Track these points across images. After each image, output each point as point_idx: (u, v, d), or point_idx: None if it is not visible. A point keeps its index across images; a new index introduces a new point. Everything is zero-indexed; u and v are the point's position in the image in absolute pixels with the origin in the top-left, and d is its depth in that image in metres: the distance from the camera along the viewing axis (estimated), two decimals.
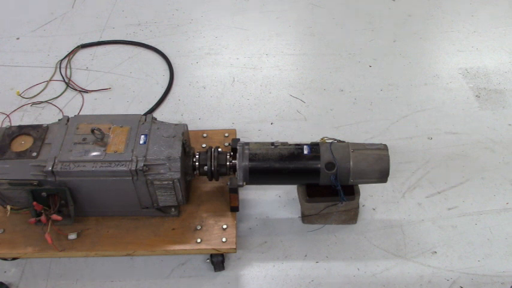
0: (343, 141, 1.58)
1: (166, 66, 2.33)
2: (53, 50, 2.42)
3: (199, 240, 1.55)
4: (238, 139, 1.61)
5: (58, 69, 2.32)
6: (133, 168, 1.44)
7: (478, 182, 1.86)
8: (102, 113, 1.90)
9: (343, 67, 2.32)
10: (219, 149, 1.61)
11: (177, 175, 1.48)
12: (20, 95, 2.19)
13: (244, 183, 1.55)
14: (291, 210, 1.78)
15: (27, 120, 2.10)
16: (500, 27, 2.51)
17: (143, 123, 1.56)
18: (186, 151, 1.56)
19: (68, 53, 2.39)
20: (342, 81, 2.25)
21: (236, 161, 1.55)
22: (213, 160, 1.57)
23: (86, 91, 2.22)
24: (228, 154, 1.59)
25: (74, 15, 2.62)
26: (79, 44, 2.42)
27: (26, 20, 2.59)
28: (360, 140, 1.90)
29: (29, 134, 1.53)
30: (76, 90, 2.23)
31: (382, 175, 1.55)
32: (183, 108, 2.15)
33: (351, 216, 1.71)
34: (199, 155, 1.59)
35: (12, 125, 1.61)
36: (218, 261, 1.60)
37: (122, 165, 1.45)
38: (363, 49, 2.40)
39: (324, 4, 2.66)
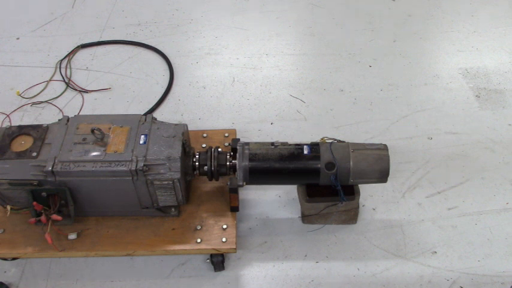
0: (343, 141, 1.58)
1: (166, 66, 2.33)
2: (53, 50, 2.42)
3: (199, 240, 1.55)
4: (238, 139, 1.61)
5: (58, 69, 2.32)
6: (133, 168, 1.44)
7: (478, 182, 1.86)
8: (102, 113, 1.90)
9: (343, 67, 2.32)
10: (219, 149, 1.61)
11: (177, 175, 1.48)
12: (20, 95, 2.19)
13: (244, 183, 1.55)
14: (291, 210, 1.78)
15: (27, 120, 2.10)
16: (500, 27, 2.51)
17: (143, 123, 1.56)
18: (186, 151, 1.56)
19: (68, 53, 2.39)
20: (342, 81, 2.25)
21: (236, 161, 1.55)
22: (213, 160, 1.57)
23: (86, 91, 2.22)
24: (228, 154, 1.59)
25: (74, 15, 2.62)
26: (79, 44, 2.42)
27: (26, 20, 2.59)
28: (360, 140, 1.90)
29: (29, 134, 1.53)
30: (76, 90, 2.23)
31: (382, 175, 1.55)
32: (183, 108, 2.15)
33: (351, 216, 1.71)
34: (199, 155, 1.59)
35: (12, 125, 1.61)
36: (218, 261, 1.60)
37: (122, 165, 1.45)
38: (363, 49, 2.40)
39: (324, 4, 2.66)
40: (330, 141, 1.58)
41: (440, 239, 1.70)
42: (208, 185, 1.69)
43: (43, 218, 1.47)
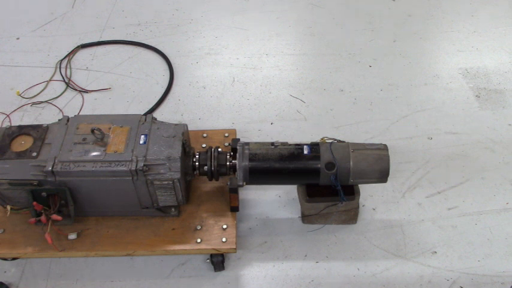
0: (343, 141, 1.58)
1: (166, 66, 2.33)
2: (53, 50, 2.42)
3: (199, 240, 1.55)
4: (238, 139, 1.61)
5: (58, 69, 2.32)
6: (133, 168, 1.44)
7: (478, 182, 1.86)
8: (102, 113, 1.90)
9: (343, 67, 2.32)
10: (219, 149, 1.61)
11: (177, 175, 1.48)
12: (20, 95, 2.19)
13: (244, 183, 1.55)
14: (291, 210, 1.78)
15: (27, 120, 2.10)
16: (500, 27, 2.51)
17: (143, 123, 1.56)
18: (186, 151, 1.56)
19: (68, 53, 2.39)
20: (342, 81, 2.25)
21: (236, 161, 1.55)
22: (213, 160, 1.57)
23: (86, 91, 2.22)
24: (228, 154, 1.59)
25: (74, 15, 2.62)
26: (79, 44, 2.42)
27: (26, 20, 2.59)
28: (360, 140, 1.90)
29: (29, 134, 1.53)
30: (76, 90, 2.23)
31: (382, 175, 1.55)
32: (183, 108, 2.15)
33: (351, 216, 1.71)
34: (199, 155, 1.59)
35: (12, 125, 1.61)
36: (218, 261, 1.60)
37: (122, 165, 1.45)
38: (363, 49, 2.40)
39: (324, 4, 2.66)
40: (330, 141, 1.58)
41: (440, 239, 1.70)
42: (208, 185, 1.69)
43: (43, 218, 1.47)
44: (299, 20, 2.58)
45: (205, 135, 1.85)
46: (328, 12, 2.62)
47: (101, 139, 1.50)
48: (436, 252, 1.67)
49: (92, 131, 1.49)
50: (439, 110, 2.12)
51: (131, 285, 1.61)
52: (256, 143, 1.59)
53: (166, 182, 1.48)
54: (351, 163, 1.52)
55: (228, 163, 1.58)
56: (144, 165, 1.45)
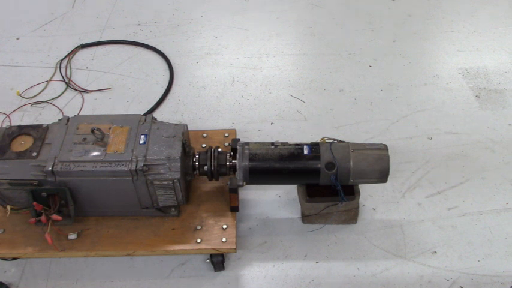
0: (343, 141, 1.58)
1: (166, 66, 2.33)
2: (53, 50, 2.42)
3: (199, 240, 1.55)
4: (238, 139, 1.61)
5: (58, 69, 2.32)
6: (133, 168, 1.44)
7: (478, 182, 1.86)
8: (102, 113, 1.90)
9: (343, 67, 2.32)
10: (219, 149, 1.61)
11: (177, 175, 1.48)
12: (20, 95, 2.19)
13: (244, 183, 1.55)
14: (291, 210, 1.78)
15: (27, 120, 2.10)
16: (500, 27, 2.51)
17: (143, 123, 1.56)
18: (186, 151, 1.56)
19: (68, 53, 2.39)
20: (342, 81, 2.25)
21: (236, 161, 1.55)
22: (213, 160, 1.57)
23: (86, 91, 2.22)
24: (228, 154, 1.59)
25: (74, 15, 2.62)
26: (79, 44, 2.42)
27: (26, 20, 2.59)
28: (360, 140, 1.90)
29: (29, 134, 1.53)
30: (76, 90, 2.23)
31: (382, 175, 1.55)
32: (183, 108, 2.15)
33: (351, 216, 1.71)
34: (199, 155, 1.59)
35: (12, 125, 1.61)
36: (218, 261, 1.60)
37: (122, 165, 1.45)
38: (363, 49, 2.40)
39: (324, 4, 2.66)
40: (330, 141, 1.58)
41: (440, 239, 1.70)
42: (208, 185, 1.69)
43: (43, 218, 1.47)
44: (299, 20, 2.58)
45: (205, 135, 1.85)
46: (328, 12, 2.62)
47: (101, 139, 1.50)
48: (436, 252, 1.67)
49: (92, 131, 1.49)
50: (439, 110, 2.12)
51: (131, 285, 1.61)
52: (256, 143, 1.59)
53: (166, 182, 1.48)
54: (351, 163, 1.52)
55: (228, 163, 1.58)
56: (144, 165, 1.45)
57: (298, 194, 1.67)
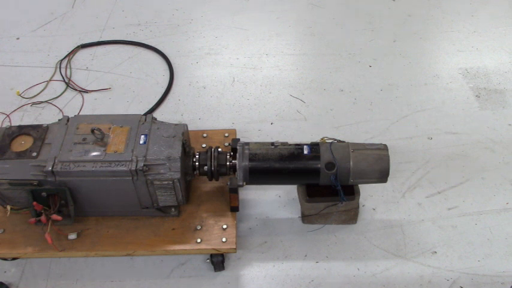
0: (343, 141, 1.58)
1: (166, 66, 2.33)
2: (53, 50, 2.42)
3: (199, 240, 1.55)
4: (238, 139, 1.61)
5: (58, 69, 2.32)
6: (133, 168, 1.44)
7: (478, 182, 1.86)
8: (102, 113, 1.90)
9: (343, 67, 2.32)
10: (219, 149, 1.61)
11: (177, 175, 1.48)
12: (20, 95, 2.19)
13: (244, 183, 1.55)
14: (291, 210, 1.78)
15: (27, 120, 2.10)
16: (500, 27, 2.51)
17: (143, 123, 1.56)
18: (186, 151, 1.56)
19: (68, 53, 2.39)
20: (342, 81, 2.25)
21: (236, 161, 1.55)
22: (213, 160, 1.57)
23: (86, 91, 2.22)
24: (228, 154, 1.59)
25: (74, 15, 2.62)
26: (79, 44, 2.42)
27: (26, 20, 2.59)
28: (360, 140, 1.90)
29: (29, 134, 1.53)
30: (76, 90, 2.23)
31: (382, 175, 1.55)
32: (183, 108, 2.15)
33: (351, 216, 1.71)
34: (199, 155, 1.59)
35: (12, 125, 1.61)
36: (218, 261, 1.60)
37: (122, 165, 1.45)
38: (363, 49, 2.40)
39: (324, 4, 2.66)
40: (330, 141, 1.58)
41: (440, 239, 1.70)
42: (208, 185, 1.69)
43: (43, 218, 1.47)
44: (299, 20, 2.58)
45: (205, 135, 1.85)
46: (328, 12, 2.62)
47: (101, 139, 1.50)
48: (436, 252, 1.67)
49: (92, 131, 1.49)
50: (439, 110, 2.12)
51: (131, 285, 1.61)
52: (256, 143, 1.59)
53: (166, 182, 1.48)
54: (351, 163, 1.52)
55: (228, 163, 1.58)
56: (144, 165, 1.45)
57: (298, 194, 1.67)
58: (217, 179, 1.61)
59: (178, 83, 2.26)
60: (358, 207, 1.68)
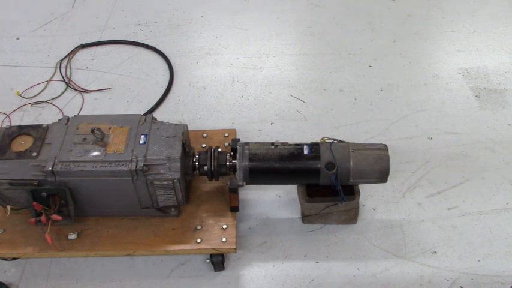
0: (343, 141, 1.58)
1: (166, 66, 2.33)
2: (53, 50, 2.42)
3: (199, 240, 1.55)
4: (238, 139, 1.61)
5: (58, 69, 2.32)
6: (133, 168, 1.44)
7: (478, 182, 1.86)
8: (102, 113, 1.90)
9: (343, 67, 2.32)
10: (219, 149, 1.61)
11: (177, 175, 1.48)
12: (20, 95, 2.19)
13: (244, 183, 1.55)
14: (291, 210, 1.78)
15: (27, 120, 2.10)
16: (500, 27, 2.51)
17: (143, 123, 1.56)
18: (186, 151, 1.56)
19: (68, 53, 2.39)
20: (342, 81, 2.25)
21: (236, 161, 1.55)
22: (213, 160, 1.57)
23: (86, 91, 2.22)
24: (228, 154, 1.59)
25: (74, 15, 2.62)
26: (79, 44, 2.42)
27: (26, 20, 2.59)
28: (360, 140, 1.90)
29: (29, 134, 1.53)
30: (76, 90, 2.23)
31: (382, 175, 1.55)
32: (183, 108, 2.15)
33: (351, 216, 1.71)
34: (199, 155, 1.59)
35: (12, 125, 1.61)
36: (218, 261, 1.60)
37: (122, 165, 1.45)
38: (363, 49, 2.40)
39: (324, 4, 2.66)
40: (330, 141, 1.58)
41: (440, 239, 1.70)
42: (208, 185, 1.69)
43: (43, 218, 1.47)
44: (299, 20, 2.58)
45: (205, 135, 1.85)
46: (328, 12, 2.62)
47: (101, 139, 1.50)
48: (436, 252, 1.67)
49: (92, 131, 1.49)
50: (439, 110, 2.12)
51: (131, 285, 1.61)
52: (256, 143, 1.59)
53: (166, 182, 1.48)
54: (351, 163, 1.52)
55: (228, 163, 1.58)
56: (144, 165, 1.45)
57: (298, 194, 1.67)
58: (217, 179, 1.61)
59: (178, 83, 2.26)
60: (358, 207, 1.68)
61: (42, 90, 2.23)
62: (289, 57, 2.38)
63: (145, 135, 1.52)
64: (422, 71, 2.29)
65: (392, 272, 1.63)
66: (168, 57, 2.36)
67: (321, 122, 2.08)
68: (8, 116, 2.10)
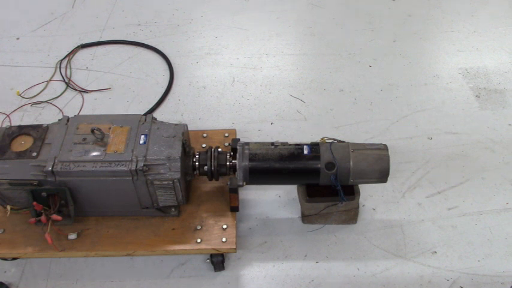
0: (343, 141, 1.58)
1: (166, 66, 2.33)
2: (53, 50, 2.42)
3: (199, 240, 1.55)
4: (238, 139, 1.61)
5: (58, 69, 2.32)
6: (133, 168, 1.44)
7: (478, 182, 1.86)
8: (102, 113, 1.90)
9: (343, 67, 2.32)
10: (219, 149, 1.61)
11: (177, 175, 1.48)
12: (20, 95, 2.19)
13: (244, 183, 1.55)
14: (291, 210, 1.78)
15: (27, 120, 2.10)
16: (500, 27, 2.51)
17: (143, 123, 1.56)
18: (186, 151, 1.56)
19: (68, 53, 2.39)
20: (342, 81, 2.25)
21: (236, 161, 1.55)
22: (213, 160, 1.57)
23: (86, 91, 2.22)
24: (228, 154, 1.59)
25: (74, 15, 2.62)
26: (79, 44, 2.42)
27: (26, 20, 2.59)
28: (360, 140, 1.90)
29: (29, 134, 1.53)
30: (76, 90, 2.23)
31: (382, 175, 1.55)
32: (183, 108, 2.15)
33: (351, 216, 1.71)
34: (199, 155, 1.59)
35: (12, 125, 1.61)
36: (218, 261, 1.60)
37: (122, 165, 1.45)
38: (363, 49, 2.40)
39: (324, 4, 2.66)
40: (330, 141, 1.58)
41: (440, 239, 1.70)
42: (208, 185, 1.69)
43: (43, 218, 1.47)
44: (299, 20, 2.58)
45: (205, 135, 1.85)
46: (328, 12, 2.62)
47: (101, 139, 1.50)
48: (436, 252, 1.67)
49: (92, 131, 1.49)
50: (439, 110, 2.12)
51: (131, 285, 1.61)
52: (256, 143, 1.59)
53: (166, 182, 1.48)
54: (351, 163, 1.52)
55: (228, 163, 1.58)
56: (144, 165, 1.45)
57: (298, 194, 1.67)
58: (217, 179, 1.61)
59: (178, 83, 2.26)
60: (358, 207, 1.68)
61: (42, 90, 2.23)
62: (289, 57, 2.38)
63: (145, 135, 1.52)
64: (422, 71, 2.29)
65: (392, 272, 1.63)
66: (168, 57, 2.36)
67: (321, 122, 2.08)
68: (8, 116, 2.10)
